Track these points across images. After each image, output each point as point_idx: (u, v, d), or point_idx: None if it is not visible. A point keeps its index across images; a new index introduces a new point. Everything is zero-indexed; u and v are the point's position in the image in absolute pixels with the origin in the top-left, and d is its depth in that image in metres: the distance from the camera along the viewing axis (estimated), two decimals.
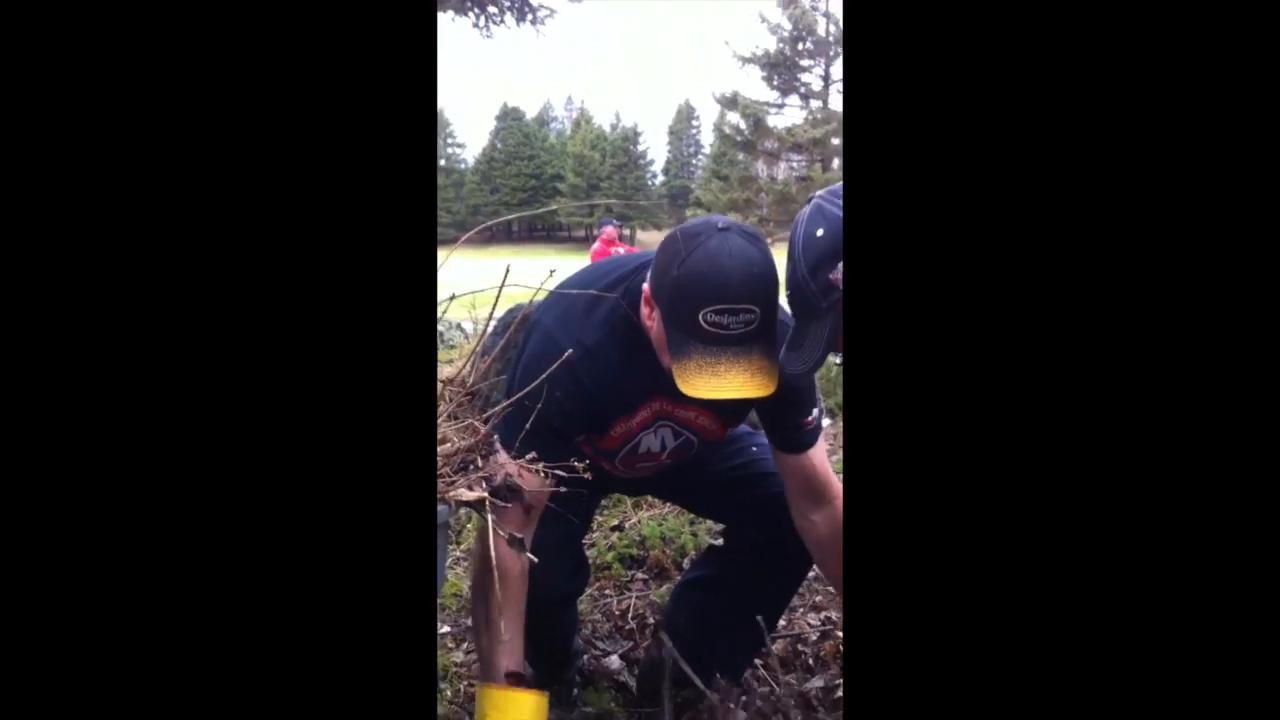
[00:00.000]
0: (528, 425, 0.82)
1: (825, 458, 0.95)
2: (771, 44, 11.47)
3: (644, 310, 0.84)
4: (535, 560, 0.82)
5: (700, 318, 0.75)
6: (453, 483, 0.79)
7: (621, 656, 1.28)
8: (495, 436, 0.88)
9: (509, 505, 0.84)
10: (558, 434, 0.85)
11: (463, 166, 49.97)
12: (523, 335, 0.94)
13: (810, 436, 0.92)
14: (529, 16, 5.86)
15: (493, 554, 0.84)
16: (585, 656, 1.24)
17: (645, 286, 0.83)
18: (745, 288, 0.75)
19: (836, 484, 0.95)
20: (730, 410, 0.93)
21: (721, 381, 0.75)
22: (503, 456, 0.83)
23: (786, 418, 0.91)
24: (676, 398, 0.91)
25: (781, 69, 11.42)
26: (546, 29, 5.93)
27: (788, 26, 11.39)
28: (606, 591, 1.48)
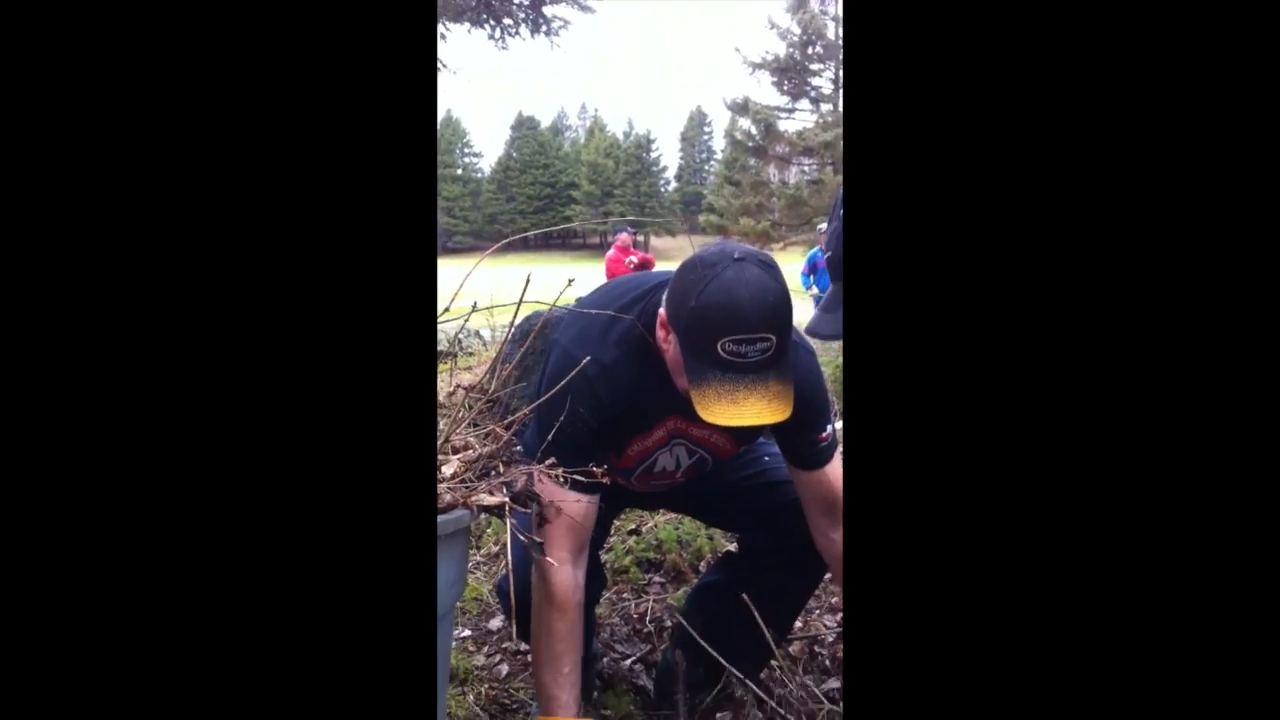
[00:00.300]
0: (551, 438, 0.84)
1: (839, 478, 0.94)
2: (781, 49, 11.47)
3: (659, 334, 0.86)
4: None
5: (719, 347, 0.76)
6: (474, 488, 0.81)
7: (639, 660, 1.30)
8: (517, 444, 0.90)
9: (555, 526, 0.86)
10: (583, 451, 0.87)
11: (479, 176, 50.40)
12: (543, 356, 0.96)
13: (826, 453, 0.93)
14: (543, 27, 5.93)
15: (552, 588, 0.86)
16: (604, 660, 1.26)
17: (661, 311, 0.84)
18: (762, 317, 0.76)
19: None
20: (744, 430, 0.94)
21: (740, 409, 0.76)
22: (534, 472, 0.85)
23: (801, 435, 0.91)
24: (691, 416, 0.91)
25: (792, 74, 11.41)
26: (561, 39, 6.00)
27: (797, 31, 11.39)
28: (624, 595, 1.49)
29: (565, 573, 0.88)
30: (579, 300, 0.98)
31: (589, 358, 0.86)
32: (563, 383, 0.83)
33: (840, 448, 0.96)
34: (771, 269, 0.80)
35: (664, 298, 0.85)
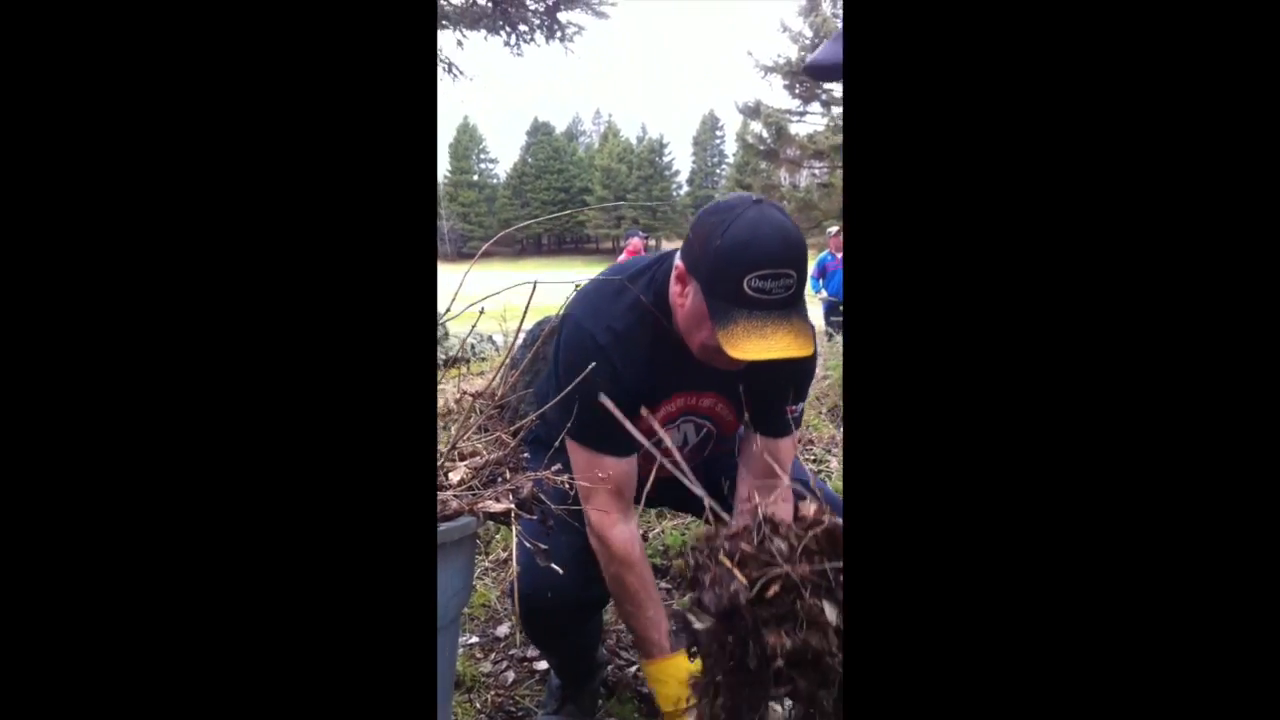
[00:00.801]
0: (577, 410, 0.85)
1: (792, 453, 0.98)
2: (793, 52, 11.46)
3: (674, 289, 0.87)
4: (560, 571, 0.85)
5: (744, 284, 0.78)
6: (480, 495, 0.82)
7: None
8: (524, 450, 0.91)
9: (600, 492, 0.89)
10: (609, 416, 0.88)
11: (495, 181, 50.81)
12: (556, 330, 0.97)
13: (791, 425, 0.96)
14: (558, 34, 5.97)
15: (613, 548, 0.89)
16: (609, 667, 1.25)
17: (678, 263, 0.86)
18: (785, 254, 0.78)
19: (787, 488, 0.96)
20: (753, 385, 0.94)
21: (769, 343, 0.78)
22: (577, 455, 0.87)
23: (779, 400, 0.93)
24: (698, 387, 0.94)
25: (803, 77, 11.38)
26: (575, 45, 6.03)
27: (809, 34, 11.37)
28: None
29: (620, 530, 0.91)
30: (588, 281, 1.00)
31: (603, 326, 0.87)
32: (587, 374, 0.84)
33: (798, 426, 1.00)
34: (785, 213, 0.83)
35: (680, 250, 0.86)
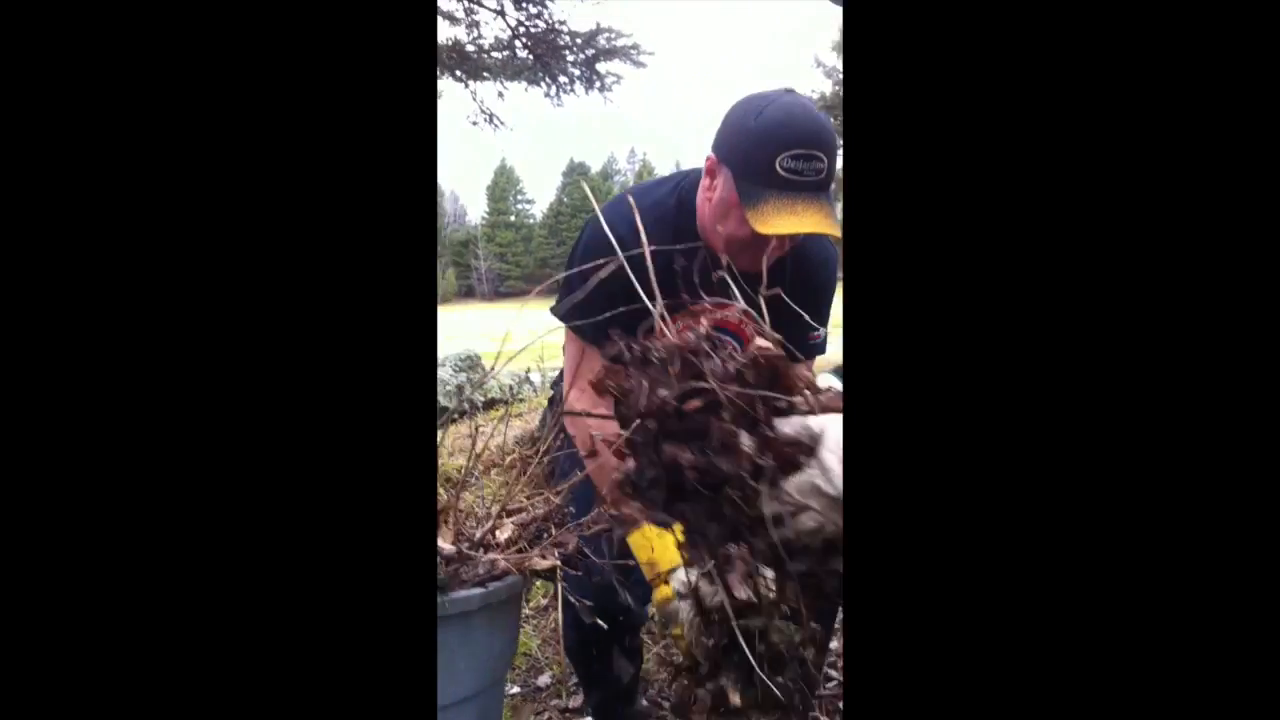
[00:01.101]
0: (585, 299, 0.83)
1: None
2: (828, 87, 11.57)
3: (703, 184, 0.89)
4: (602, 627, 0.86)
5: (777, 164, 0.81)
6: (528, 555, 0.85)
7: None
8: (569, 506, 0.93)
9: (581, 380, 0.88)
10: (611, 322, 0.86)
11: (531, 222, 52.18)
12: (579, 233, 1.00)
13: (813, 352, 0.97)
14: (597, 84, 6.18)
15: (597, 428, 0.87)
16: (652, 717, 1.25)
17: (708, 157, 0.88)
18: (818, 136, 0.82)
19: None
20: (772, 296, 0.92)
21: (799, 219, 0.80)
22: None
23: (801, 325, 0.91)
24: (723, 295, 0.93)
25: (837, 111, 11.45)
26: (614, 93, 6.22)
27: (842, 69, 11.46)
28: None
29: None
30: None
31: (625, 220, 0.86)
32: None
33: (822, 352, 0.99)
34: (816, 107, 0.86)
35: (713, 142, 0.88)
